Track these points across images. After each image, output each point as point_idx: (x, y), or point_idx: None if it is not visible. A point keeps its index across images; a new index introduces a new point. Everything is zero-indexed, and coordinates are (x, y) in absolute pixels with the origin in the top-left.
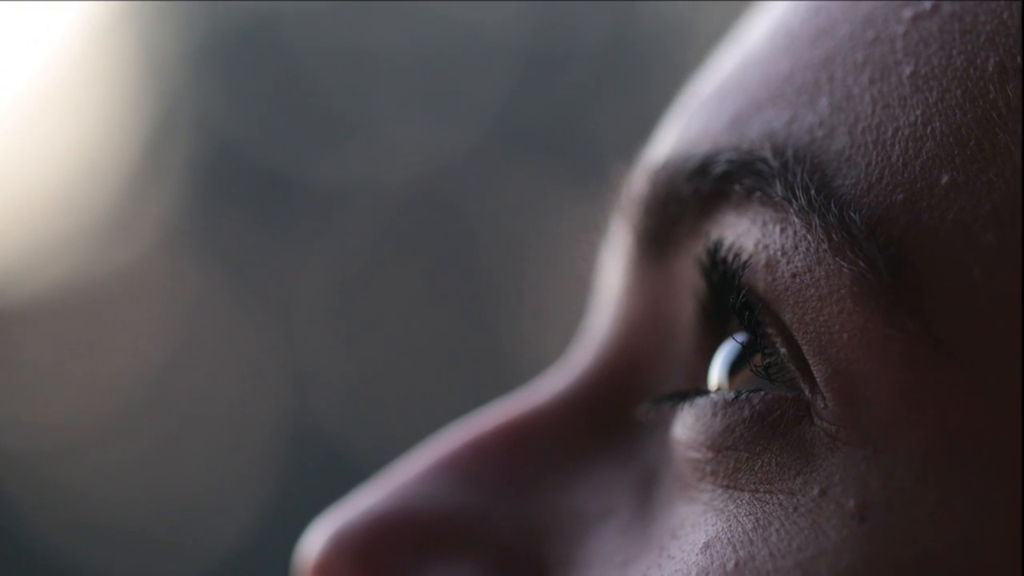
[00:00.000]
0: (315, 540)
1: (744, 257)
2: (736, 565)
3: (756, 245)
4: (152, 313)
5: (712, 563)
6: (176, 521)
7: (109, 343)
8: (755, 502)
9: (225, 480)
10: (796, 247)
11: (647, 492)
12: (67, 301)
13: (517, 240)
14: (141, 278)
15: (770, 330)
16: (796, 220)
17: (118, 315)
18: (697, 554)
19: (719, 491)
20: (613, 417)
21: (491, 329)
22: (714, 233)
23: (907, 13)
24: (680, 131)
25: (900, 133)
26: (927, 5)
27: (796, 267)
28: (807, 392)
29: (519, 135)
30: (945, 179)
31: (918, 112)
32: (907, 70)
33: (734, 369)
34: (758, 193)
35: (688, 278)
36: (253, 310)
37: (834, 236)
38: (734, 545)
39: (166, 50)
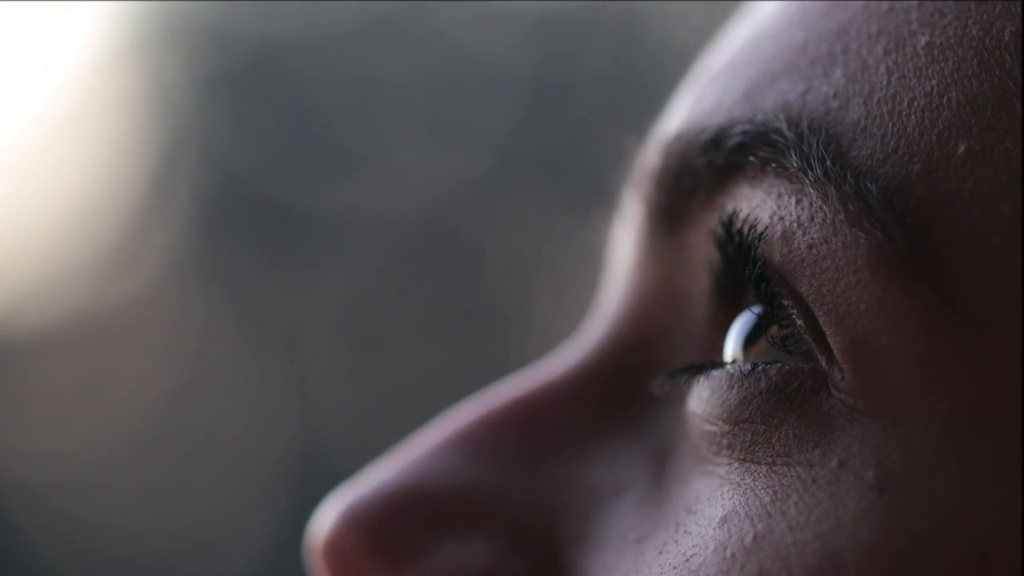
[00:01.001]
0: (326, 517)
1: (760, 229)
2: (754, 538)
3: (771, 217)
4: (160, 343)
5: (730, 537)
6: (185, 550)
7: (117, 374)
8: (772, 475)
9: (233, 509)
10: (812, 218)
11: (661, 467)
12: (75, 332)
13: (524, 269)
14: (148, 309)
15: (786, 302)
16: (812, 191)
17: (126, 346)
18: (714, 528)
19: (736, 464)
20: (626, 391)
21: (499, 357)
22: (729, 205)
23: None
24: (692, 104)
25: (916, 103)
26: None
27: (812, 238)
28: (824, 363)
29: (525, 164)
30: (962, 149)
31: (934, 82)
32: (922, 40)
33: (749, 341)
34: (773, 165)
35: (702, 251)
36: (260, 340)
37: (850, 206)
38: (752, 519)
39: (173, 81)
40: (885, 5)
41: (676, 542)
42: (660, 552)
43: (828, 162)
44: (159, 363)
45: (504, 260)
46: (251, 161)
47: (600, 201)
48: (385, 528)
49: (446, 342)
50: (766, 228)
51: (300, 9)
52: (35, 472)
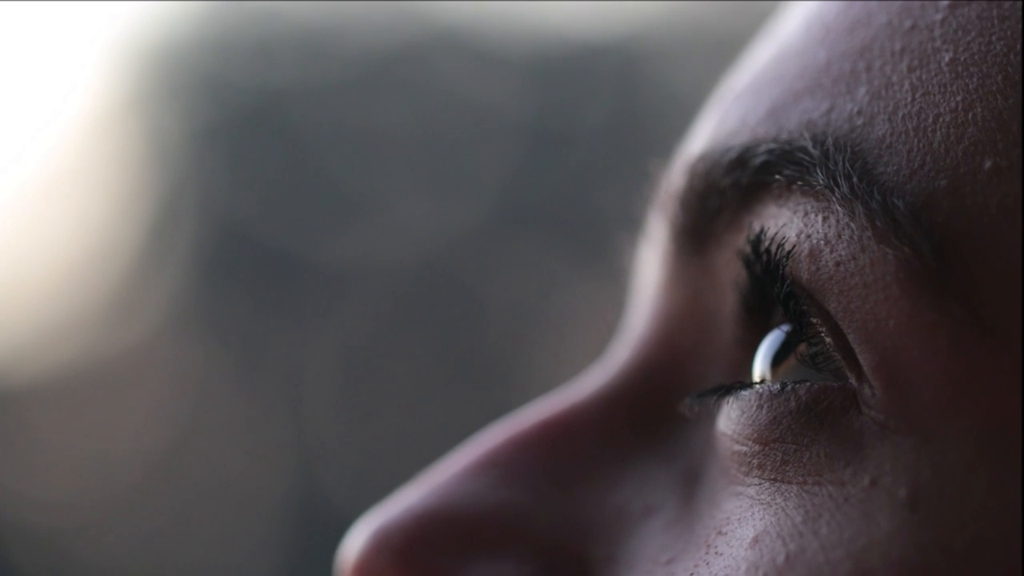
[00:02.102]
0: (356, 539)
1: (787, 247)
2: (787, 559)
3: (798, 235)
4: (160, 392)
5: (762, 558)
6: None
7: (118, 422)
8: (804, 494)
9: (234, 556)
10: (839, 235)
11: (691, 488)
12: (76, 380)
13: (524, 317)
14: (148, 358)
15: (815, 320)
16: (839, 208)
17: (127, 394)
18: (746, 549)
19: (766, 484)
20: (654, 412)
21: (498, 404)
22: (755, 225)
23: (944, 2)
24: (716, 124)
25: (941, 119)
26: None
27: (840, 255)
28: (854, 381)
29: (524, 212)
30: (988, 164)
31: (959, 98)
32: (946, 57)
33: (776, 361)
34: (799, 183)
35: (728, 271)
36: (260, 388)
37: (878, 223)
38: (784, 539)
39: (171, 132)
40: (908, 23)
41: (707, 564)
42: (691, 574)
43: (855, 179)
44: (159, 411)
45: (503, 308)
46: (250, 211)
47: (599, 248)
48: (415, 550)
49: (445, 390)
50: (794, 246)
51: (298, 59)
52: (38, 518)
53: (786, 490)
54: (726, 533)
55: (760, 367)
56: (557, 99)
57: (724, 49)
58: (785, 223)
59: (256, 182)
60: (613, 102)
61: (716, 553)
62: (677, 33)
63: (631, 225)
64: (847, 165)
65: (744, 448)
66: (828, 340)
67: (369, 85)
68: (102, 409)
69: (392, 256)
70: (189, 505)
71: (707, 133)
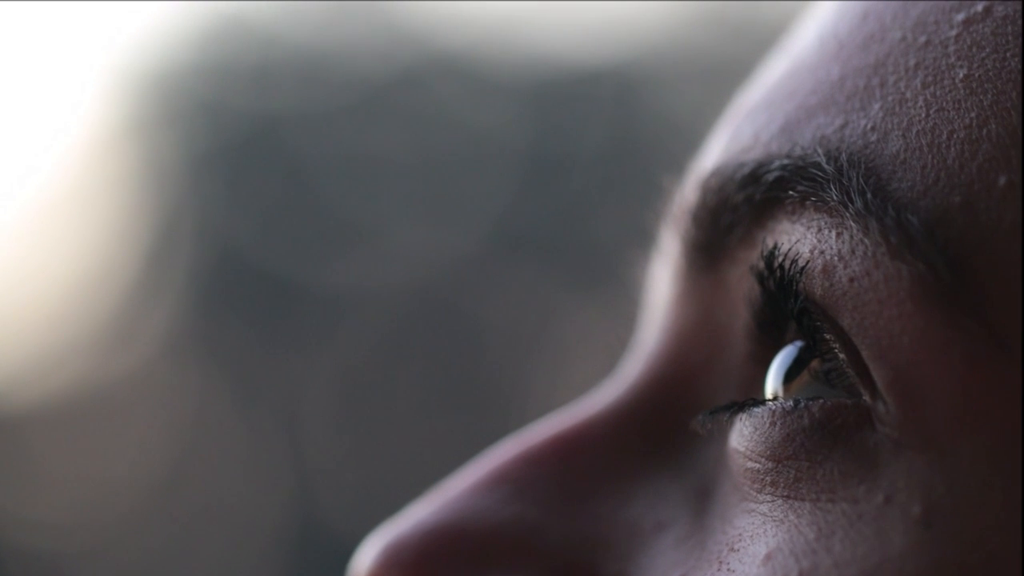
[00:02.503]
0: (366, 554)
1: (801, 263)
2: (799, 575)
3: (812, 251)
4: (158, 417)
5: (774, 574)
6: None
7: (116, 447)
8: (817, 511)
9: None
10: (853, 251)
11: (702, 504)
12: (75, 406)
13: (521, 342)
14: (147, 383)
15: (828, 336)
16: (852, 224)
17: (125, 420)
18: (758, 566)
19: (779, 501)
20: (665, 428)
21: (496, 430)
22: (768, 240)
23: (959, 17)
24: (729, 139)
25: (955, 136)
26: (979, 8)
27: (854, 271)
28: (867, 397)
29: (522, 238)
30: (1003, 181)
31: (973, 115)
32: (960, 73)
33: (789, 377)
34: (813, 199)
35: (740, 287)
36: (257, 413)
37: (892, 239)
38: (796, 556)
39: (169, 157)
40: (923, 39)
41: None
42: None
43: (869, 195)
44: (158, 436)
45: (501, 334)
46: (247, 237)
47: (596, 274)
48: (426, 566)
49: (443, 415)
50: (807, 262)
51: (296, 85)
52: (38, 542)
53: (799, 507)
54: (738, 550)
55: (772, 383)
56: (554, 125)
57: (720, 75)
58: (799, 239)
59: (254, 207)
60: (610, 128)
61: (728, 570)
62: (673, 60)
63: (643, 240)
64: (861, 181)
65: (757, 465)
66: (842, 356)
67: (367, 111)
68: (101, 434)
69: (389, 282)
70: (188, 530)
71: (720, 149)
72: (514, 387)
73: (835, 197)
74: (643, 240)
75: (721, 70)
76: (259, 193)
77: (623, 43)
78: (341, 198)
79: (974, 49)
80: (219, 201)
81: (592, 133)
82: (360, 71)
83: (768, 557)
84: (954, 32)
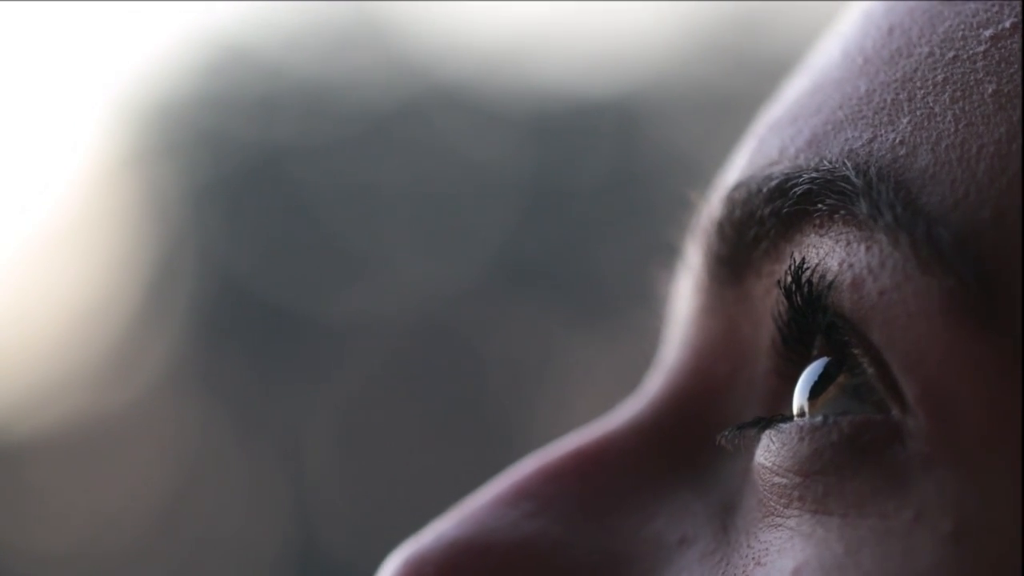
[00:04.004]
0: (388, 570)
1: (830, 278)
2: None
3: (841, 264)
4: (159, 447)
5: None
6: None
7: (116, 478)
8: (846, 526)
9: None
10: (883, 265)
11: (727, 519)
12: (75, 437)
13: (523, 373)
14: (147, 414)
15: (856, 350)
16: (882, 237)
17: (125, 450)
18: None
19: (807, 516)
20: (688, 443)
21: (499, 461)
22: (796, 254)
23: (987, 33)
24: (754, 153)
25: (985, 150)
26: (1007, 24)
27: (883, 285)
28: (897, 412)
29: (523, 269)
30: None
31: (1002, 130)
32: (989, 88)
33: (815, 392)
34: (842, 212)
35: (765, 301)
36: (258, 444)
37: (922, 252)
38: (825, 570)
39: (170, 188)
40: (951, 54)
41: None
42: None
43: (899, 208)
44: (159, 467)
45: (503, 364)
46: (248, 268)
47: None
48: None
49: (444, 446)
50: (836, 276)
51: (298, 116)
52: (38, 572)
53: (827, 522)
54: (764, 564)
55: (799, 398)
56: (556, 157)
57: (722, 108)
58: (827, 252)
59: (255, 239)
60: (612, 160)
61: None
62: (675, 91)
63: (665, 256)
64: (891, 194)
65: (784, 480)
66: (870, 371)
67: (368, 142)
68: (102, 465)
69: (391, 313)
70: (188, 560)
71: (745, 162)
72: (516, 417)
73: (865, 210)
74: (666, 255)
75: (722, 103)
76: (260, 224)
77: (625, 75)
78: (343, 229)
79: (1003, 65)
80: (220, 232)
81: (594, 165)
82: (362, 103)
83: (796, 571)
84: (982, 48)
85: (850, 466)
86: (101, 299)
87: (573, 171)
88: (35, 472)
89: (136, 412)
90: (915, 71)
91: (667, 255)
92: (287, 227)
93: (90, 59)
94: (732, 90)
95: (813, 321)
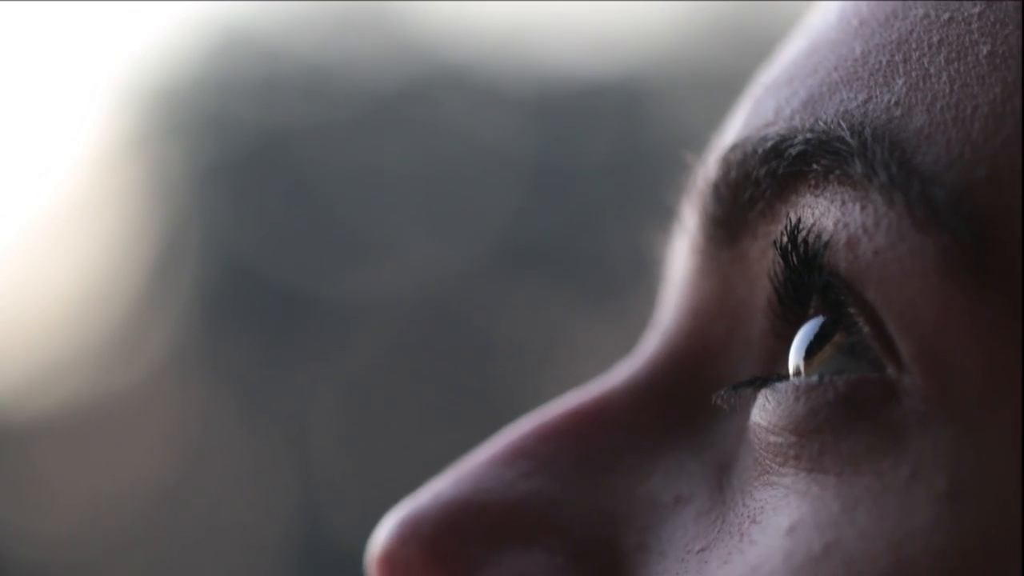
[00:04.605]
0: (384, 530)
1: (825, 237)
2: (824, 547)
3: (836, 224)
4: (163, 429)
5: (798, 546)
6: None
7: (120, 460)
8: (842, 484)
9: None
10: (878, 224)
11: (723, 478)
12: (79, 419)
13: (529, 353)
14: (152, 395)
15: (852, 309)
16: (877, 197)
17: (129, 432)
18: (781, 538)
19: (802, 475)
20: (684, 403)
21: None
22: (792, 215)
23: None
24: (750, 114)
25: (979, 111)
26: None
27: (878, 244)
28: (893, 371)
29: (528, 249)
30: None
31: (997, 90)
32: (984, 49)
33: (811, 352)
34: (836, 172)
35: (761, 261)
36: (263, 426)
37: (917, 212)
38: (821, 527)
39: (175, 170)
40: (946, 15)
41: (741, 552)
42: (725, 562)
43: (893, 168)
44: (163, 449)
45: (508, 345)
46: (253, 249)
47: (602, 284)
48: (443, 539)
49: (451, 427)
50: (831, 236)
51: (302, 97)
52: (42, 554)
53: (823, 480)
54: (760, 522)
55: (795, 357)
56: (560, 137)
57: (726, 88)
58: (822, 212)
59: (260, 220)
60: (616, 140)
61: (750, 541)
62: (679, 72)
63: (664, 216)
64: (885, 154)
65: (780, 439)
66: (866, 329)
67: (373, 124)
68: (105, 447)
69: (396, 294)
70: (193, 542)
71: (741, 123)
72: (522, 399)
73: (859, 170)
74: (673, 210)
75: (727, 82)
76: (265, 206)
77: (629, 56)
78: (347, 211)
79: (997, 26)
80: (225, 214)
81: (598, 145)
82: (366, 84)
83: (792, 529)
84: (977, 9)
85: (846, 424)
86: (105, 281)
87: (577, 152)
88: (38, 455)
89: (140, 394)
90: (910, 32)
91: (663, 217)
92: (291, 209)
93: (94, 42)
94: (736, 70)
95: (809, 280)
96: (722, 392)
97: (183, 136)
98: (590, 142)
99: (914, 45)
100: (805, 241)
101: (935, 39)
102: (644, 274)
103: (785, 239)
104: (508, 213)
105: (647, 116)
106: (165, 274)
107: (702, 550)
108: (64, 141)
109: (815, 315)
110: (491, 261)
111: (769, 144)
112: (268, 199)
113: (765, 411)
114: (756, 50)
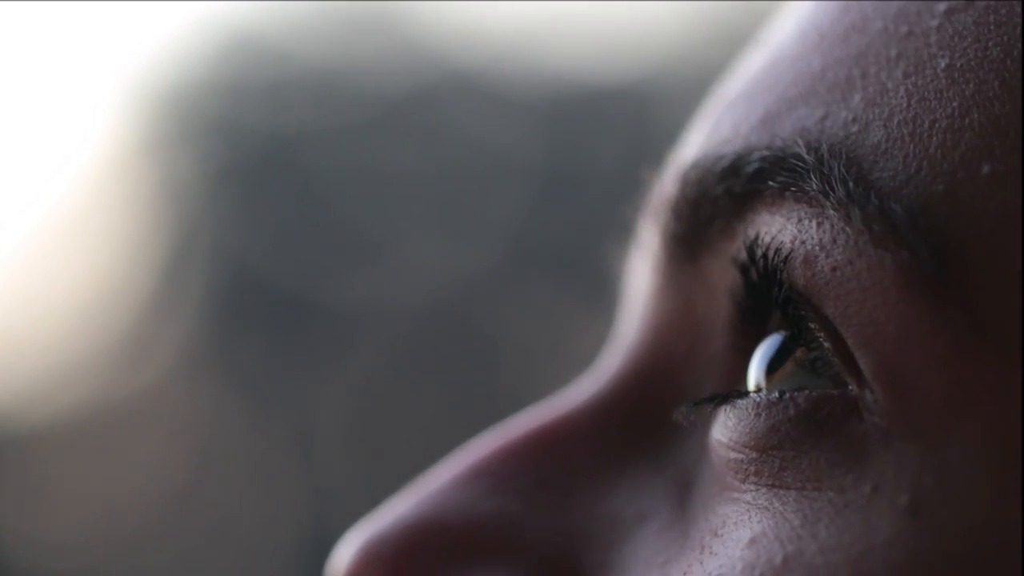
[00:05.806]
0: (345, 551)
1: (784, 252)
2: (784, 560)
3: (793, 241)
4: (172, 434)
5: (758, 558)
6: None
7: (129, 464)
8: (802, 499)
9: None
10: (835, 240)
11: (684, 495)
12: (88, 422)
13: (536, 358)
14: (161, 400)
15: (812, 325)
16: (833, 213)
17: (138, 436)
18: (742, 550)
19: (763, 490)
20: (646, 420)
21: None
22: (749, 232)
23: (940, 7)
24: (709, 132)
25: (937, 125)
26: None
27: (836, 260)
28: (854, 387)
29: (537, 254)
30: (986, 170)
31: (955, 104)
32: (942, 63)
33: (772, 368)
34: (792, 189)
35: (721, 279)
36: (271, 431)
37: (875, 227)
38: (781, 540)
39: (184, 175)
40: (904, 29)
41: (702, 563)
42: (685, 574)
43: (850, 183)
44: (171, 453)
45: (516, 350)
46: (262, 254)
47: (610, 290)
48: (405, 561)
49: (457, 432)
50: (789, 252)
51: (311, 102)
52: (49, 560)
53: (784, 495)
54: (721, 535)
55: (756, 373)
56: (569, 142)
57: None
58: (779, 229)
59: (269, 225)
60: (625, 145)
61: (711, 553)
62: (689, 76)
63: (622, 233)
64: (842, 170)
65: (740, 455)
66: (827, 345)
67: (381, 128)
68: (114, 451)
69: (404, 298)
70: (200, 547)
71: (699, 141)
72: (530, 403)
73: (815, 187)
74: (622, 234)
75: None
76: (274, 210)
77: (638, 60)
78: (356, 215)
79: (956, 39)
80: (234, 218)
81: (607, 150)
82: (375, 88)
83: (752, 541)
84: (936, 22)
85: (807, 441)
86: (114, 286)
87: (586, 157)
88: (48, 459)
89: (150, 398)
90: (868, 46)
91: (621, 234)
92: (300, 213)
93: (103, 47)
94: None
95: (768, 295)
96: (683, 408)
97: (192, 141)
98: (600, 147)
99: (872, 59)
100: (764, 256)
101: (893, 53)
102: (616, 258)
103: (744, 255)
104: (517, 218)
105: (657, 121)
106: (175, 278)
107: (664, 563)
108: (74, 146)
109: (776, 331)
110: (500, 266)
111: (726, 162)
112: (277, 203)
113: (726, 428)
114: None
